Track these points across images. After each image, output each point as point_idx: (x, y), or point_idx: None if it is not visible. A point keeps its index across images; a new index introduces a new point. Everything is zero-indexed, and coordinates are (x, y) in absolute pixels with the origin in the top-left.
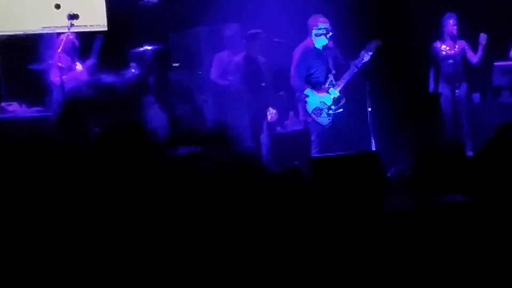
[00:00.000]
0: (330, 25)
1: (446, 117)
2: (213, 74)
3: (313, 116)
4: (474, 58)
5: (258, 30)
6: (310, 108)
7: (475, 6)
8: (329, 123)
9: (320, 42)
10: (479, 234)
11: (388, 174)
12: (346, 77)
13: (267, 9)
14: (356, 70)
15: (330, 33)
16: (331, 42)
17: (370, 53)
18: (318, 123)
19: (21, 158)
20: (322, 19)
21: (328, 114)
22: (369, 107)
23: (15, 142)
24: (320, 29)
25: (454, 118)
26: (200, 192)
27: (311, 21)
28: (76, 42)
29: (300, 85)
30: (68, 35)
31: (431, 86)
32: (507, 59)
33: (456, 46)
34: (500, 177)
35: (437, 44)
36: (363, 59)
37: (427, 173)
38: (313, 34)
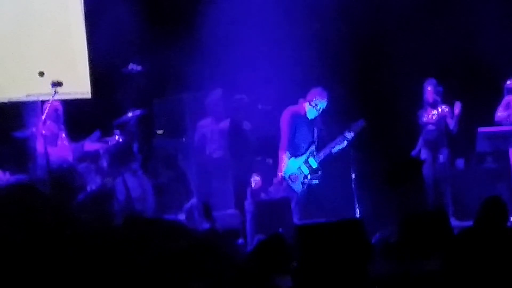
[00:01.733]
0: (326, 100)
1: (428, 183)
2: (196, 141)
3: (288, 180)
4: (450, 123)
5: (243, 96)
6: (287, 172)
7: (460, 72)
8: (303, 191)
9: (311, 113)
10: None
11: (373, 241)
12: (327, 151)
13: (251, 75)
14: (338, 147)
15: (322, 107)
16: (319, 115)
17: (353, 133)
18: (292, 189)
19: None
20: (323, 95)
21: (303, 183)
22: (353, 174)
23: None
24: (317, 104)
25: (435, 184)
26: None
27: (312, 93)
28: (60, 109)
29: (289, 145)
30: (52, 102)
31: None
32: (491, 124)
33: (436, 112)
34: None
35: (422, 113)
36: (346, 138)
37: (411, 240)
38: (307, 105)
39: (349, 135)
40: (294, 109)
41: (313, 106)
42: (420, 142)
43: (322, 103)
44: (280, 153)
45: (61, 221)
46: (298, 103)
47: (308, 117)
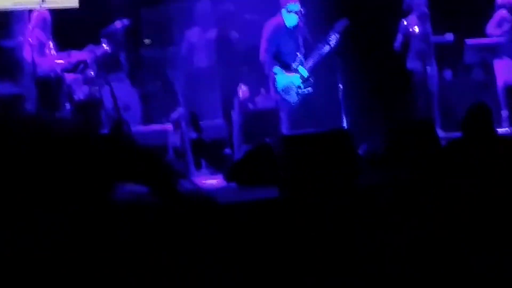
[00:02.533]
0: (300, 5)
1: (417, 93)
2: (183, 51)
3: (282, 94)
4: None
5: (229, 5)
6: (279, 86)
7: None
8: (298, 102)
9: (290, 20)
10: (444, 209)
11: (359, 151)
12: (315, 57)
13: None
14: (324, 50)
15: (300, 13)
16: (301, 21)
17: (338, 34)
18: (287, 101)
19: None
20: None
21: (297, 93)
22: (340, 84)
23: None
24: (290, 9)
25: (422, 95)
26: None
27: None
28: (48, 19)
29: (269, 62)
30: (39, 11)
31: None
32: (480, 35)
33: (425, 24)
34: (470, 159)
35: (408, 20)
36: (331, 39)
37: (397, 150)
38: (283, 12)
39: (334, 35)
40: (273, 21)
41: (288, 12)
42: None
43: (294, 6)
44: (264, 67)
45: (48, 131)
46: (277, 15)
47: (287, 25)
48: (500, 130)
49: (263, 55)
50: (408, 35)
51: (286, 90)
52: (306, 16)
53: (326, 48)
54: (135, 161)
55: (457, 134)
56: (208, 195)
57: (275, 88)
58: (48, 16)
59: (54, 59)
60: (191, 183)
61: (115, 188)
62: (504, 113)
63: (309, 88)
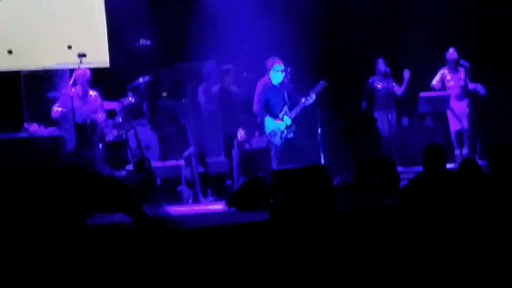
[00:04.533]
0: (284, 65)
1: (380, 136)
2: (193, 102)
3: (269, 137)
4: (398, 90)
5: (229, 65)
6: (267, 130)
7: (402, 47)
8: (282, 144)
9: (276, 79)
10: (411, 232)
11: (334, 182)
12: (297, 109)
13: (237, 49)
14: (309, 102)
15: (286, 71)
16: (286, 78)
17: (317, 92)
18: (273, 143)
19: (36, 169)
20: (277, 61)
21: (281, 137)
22: (319, 128)
23: (33, 156)
24: (276, 69)
25: (385, 138)
26: None
27: (269, 62)
28: (88, 76)
29: (261, 113)
30: (78, 70)
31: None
32: (430, 89)
33: (387, 82)
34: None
35: (373, 80)
36: (311, 97)
37: (365, 181)
38: (270, 73)
39: (313, 94)
40: (263, 80)
41: (275, 71)
42: (364, 104)
43: (279, 67)
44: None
45: (83, 164)
46: (266, 74)
47: (274, 83)
48: (452, 166)
49: (255, 107)
50: (373, 90)
51: (273, 134)
52: (291, 74)
53: (307, 103)
54: (114, 193)
55: (413, 168)
56: (173, 221)
57: (264, 132)
58: (88, 73)
59: (90, 108)
60: (163, 211)
61: (95, 215)
62: (457, 151)
63: (291, 134)
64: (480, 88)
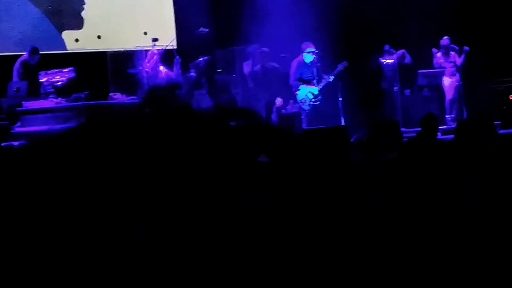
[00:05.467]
0: (315, 48)
1: (387, 103)
2: (241, 76)
3: (300, 104)
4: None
5: (267, 49)
6: (298, 98)
7: (406, 35)
8: (310, 109)
9: (308, 58)
10: (406, 180)
11: (352, 139)
12: (323, 82)
13: (276, 34)
14: (330, 80)
15: (315, 53)
16: (316, 58)
17: (337, 72)
18: (303, 108)
19: (121, 129)
20: (310, 45)
21: (309, 104)
22: (340, 98)
23: (118, 119)
24: (308, 51)
25: (391, 105)
26: None
27: (303, 45)
28: (158, 56)
29: (295, 84)
30: (152, 51)
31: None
32: (428, 67)
33: (393, 60)
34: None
35: (382, 59)
36: (331, 77)
37: (375, 139)
38: (304, 54)
39: (337, 71)
40: (297, 59)
41: (307, 53)
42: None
43: (311, 49)
44: (292, 87)
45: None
46: (299, 55)
47: (306, 61)
48: (443, 127)
49: (291, 80)
50: (382, 67)
51: (302, 101)
52: (319, 55)
53: (331, 79)
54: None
55: (413, 129)
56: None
57: (296, 100)
58: (160, 54)
59: (161, 80)
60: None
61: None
62: (447, 116)
63: (318, 102)
64: (465, 48)
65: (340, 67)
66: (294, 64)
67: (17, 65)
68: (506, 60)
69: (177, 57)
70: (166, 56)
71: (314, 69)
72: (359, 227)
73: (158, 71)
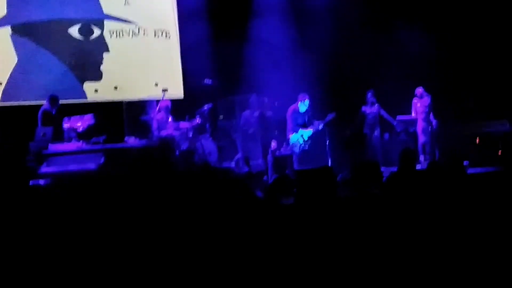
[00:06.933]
0: (308, 100)
1: (368, 147)
2: (241, 122)
3: (291, 147)
4: (385, 114)
5: (265, 97)
6: (291, 141)
7: (385, 84)
8: (301, 152)
9: (302, 108)
10: (390, 214)
11: (338, 178)
12: (313, 128)
13: (272, 85)
14: (319, 127)
15: (308, 104)
16: (308, 108)
17: (325, 122)
18: (295, 151)
19: (135, 169)
20: (306, 97)
21: (299, 147)
22: (327, 141)
23: (132, 159)
24: (303, 102)
25: (372, 147)
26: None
27: (300, 96)
28: (169, 105)
29: (293, 128)
30: (161, 100)
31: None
32: (404, 113)
33: (374, 109)
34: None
35: (365, 108)
36: (320, 125)
37: (358, 177)
38: (299, 103)
39: (325, 121)
40: (293, 107)
41: (302, 102)
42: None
43: (306, 101)
44: (287, 132)
45: (166, 164)
46: (295, 103)
47: (300, 110)
48: (418, 167)
49: (289, 125)
50: (364, 115)
51: (294, 145)
52: (309, 105)
53: (321, 126)
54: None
55: (391, 168)
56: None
57: (289, 143)
58: (169, 103)
59: (170, 128)
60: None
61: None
62: (421, 157)
63: (307, 145)
64: (435, 124)
65: (329, 117)
66: (290, 111)
67: (40, 113)
68: (475, 103)
69: (168, 102)
70: (174, 106)
71: (306, 117)
72: (347, 254)
73: (166, 121)
